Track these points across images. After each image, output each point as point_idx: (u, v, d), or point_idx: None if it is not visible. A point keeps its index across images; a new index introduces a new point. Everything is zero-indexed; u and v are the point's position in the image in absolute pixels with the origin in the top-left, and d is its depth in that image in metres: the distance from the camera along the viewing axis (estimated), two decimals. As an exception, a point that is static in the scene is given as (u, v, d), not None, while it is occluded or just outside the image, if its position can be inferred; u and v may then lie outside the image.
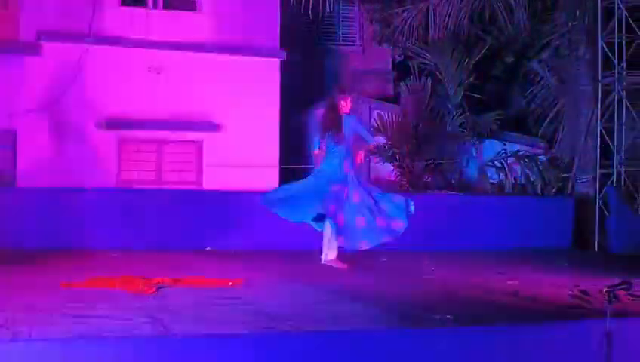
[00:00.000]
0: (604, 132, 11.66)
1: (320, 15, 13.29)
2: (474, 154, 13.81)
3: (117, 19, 13.31)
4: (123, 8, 13.44)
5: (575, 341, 4.62)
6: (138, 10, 13.50)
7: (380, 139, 8.74)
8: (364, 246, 7.68)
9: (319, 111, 8.19)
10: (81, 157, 12.92)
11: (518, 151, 13.26)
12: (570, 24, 12.58)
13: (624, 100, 11.52)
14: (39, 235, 9.15)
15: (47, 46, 12.88)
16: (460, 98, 13.68)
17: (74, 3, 13.09)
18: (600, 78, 11.66)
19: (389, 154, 13.46)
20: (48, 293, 5.60)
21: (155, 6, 13.69)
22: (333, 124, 7.82)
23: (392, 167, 13.46)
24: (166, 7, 13.73)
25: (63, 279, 6.22)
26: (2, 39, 12.69)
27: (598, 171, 11.70)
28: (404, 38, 14.05)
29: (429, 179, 13.40)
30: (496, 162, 13.29)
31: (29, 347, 3.77)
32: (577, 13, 12.36)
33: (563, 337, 4.64)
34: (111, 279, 6.30)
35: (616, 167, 11.55)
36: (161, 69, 13.45)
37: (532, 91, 13.59)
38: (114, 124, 13.19)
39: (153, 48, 13.36)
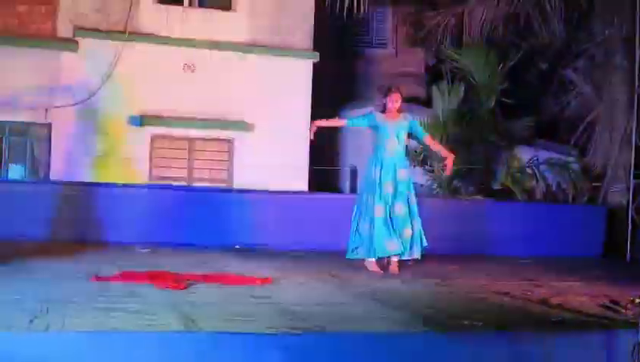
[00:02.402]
0: (639, 142, 11.53)
1: (354, 17, 13.30)
2: (505, 160, 13.72)
3: (153, 16, 13.46)
4: (159, 6, 13.59)
5: (605, 351, 4.58)
6: (174, 8, 13.64)
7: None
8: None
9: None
10: (114, 153, 13.08)
11: (550, 158, 13.16)
12: (606, 32, 12.46)
13: (660, 110, 11.38)
14: (71, 229, 9.29)
15: (83, 42, 13.05)
16: (492, 103, 13.61)
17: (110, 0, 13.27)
18: (636, 87, 11.53)
19: (420, 158, 13.43)
20: (80, 286, 5.67)
21: (190, 4, 13.83)
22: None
23: (423, 172, 13.43)
24: (202, 5, 13.87)
25: (94, 273, 6.29)
26: (41, 35, 12.90)
27: (632, 181, 11.57)
28: (437, 42, 14.01)
29: (460, 184, 13.35)
30: (527, 169, 13.20)
31: (62, 338, 3.84)
32: (615, 21, 12.24)
33: (592, 347, 4.61)
34: (141, 274, 6.37)
35: (651, 177, 11.42)
36: (195, 67, 13.57)
37: (565, 99, 13.48)
38: (147, 120, 13.33)
39: (188, 46, 13.49)
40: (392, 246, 7.57)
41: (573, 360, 4.51)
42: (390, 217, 7.57)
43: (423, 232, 7.72)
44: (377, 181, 7.62)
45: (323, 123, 7.98)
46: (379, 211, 7.57)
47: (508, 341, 4.48)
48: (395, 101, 7.70)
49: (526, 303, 5.95)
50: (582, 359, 4.54)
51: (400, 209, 7.61)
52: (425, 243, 7.73)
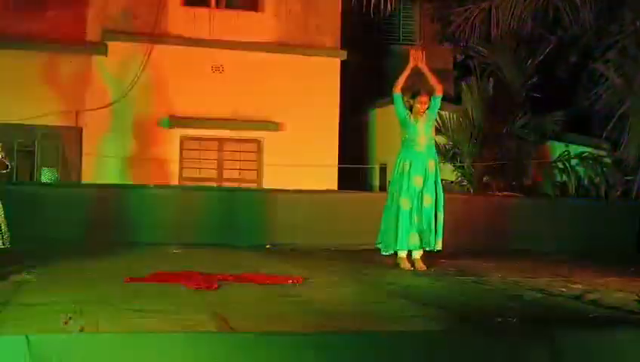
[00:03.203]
0: (672, 134, 11.37)
1: (381, 14, 13.24)
2: (536, 155, 13.60)
3: (180, 18, 13.54)
4: (186, 8, 13.66)
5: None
6: (201, 10, 13.71)
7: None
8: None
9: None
10: (144, 155, 13.18)
11: (582, 152, 13.01)
12: (637, 23, 12.28)
13: (693, 102, 11.21)
14: (104, 230, 9.36)
15: (112, 45, 13.16)
16: (522, 98, 13.49)
17: (138, 3, 13.38)
18: (669, 78, 11.37)
19: (450, 154, 13.36)
20: (113, 288, 5.71)
21: (218, 5, 13.88)
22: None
23: (453, 168, 13.35)
24: (228, 6, 13.92)
25: (127, 274, 6.33)
26: (71, 39, 13.04)
27: (665, 174, 11.41)
28: (465, 37, 13.91)
29: (490, 181, 13.25)
30: (559, 164, 13.07)
31: (96, 339, 3.87)
32: (646, 11, 12.07)
33: (628, 343, 4.54)
34: (173, 275, 6.40)
35: (685, 170, 11.25)
36: (223, 68, 13.63)
37: (597, 92, 13.30)
38: (176, 121, 13.41)
39: (215, 47, 13.54)
40: (414, 240, 7.68)
41: (610, 357, 4.44)
42: (418, 210, 7.63)
43: (443, 225, 7.77)
44: (406, 175, 7.74)
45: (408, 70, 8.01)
46: (405, 204, 7.68)
47: (543, 338, 4.43)
48: (423, 103, 7.86)
49: (561, 300, 5.89)
50: (619, 355, 4.47)
51: (428, 200, 7.73)
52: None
